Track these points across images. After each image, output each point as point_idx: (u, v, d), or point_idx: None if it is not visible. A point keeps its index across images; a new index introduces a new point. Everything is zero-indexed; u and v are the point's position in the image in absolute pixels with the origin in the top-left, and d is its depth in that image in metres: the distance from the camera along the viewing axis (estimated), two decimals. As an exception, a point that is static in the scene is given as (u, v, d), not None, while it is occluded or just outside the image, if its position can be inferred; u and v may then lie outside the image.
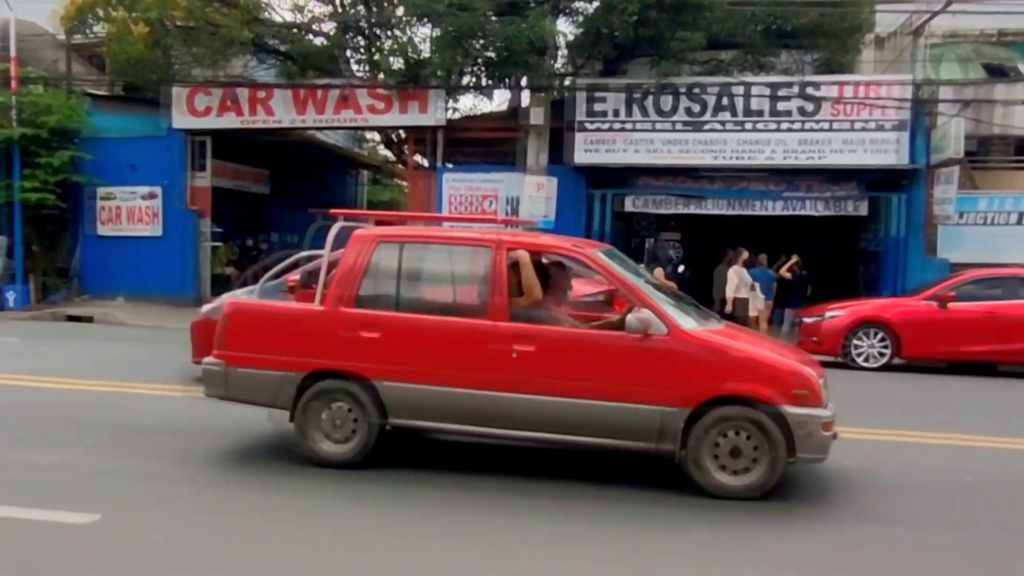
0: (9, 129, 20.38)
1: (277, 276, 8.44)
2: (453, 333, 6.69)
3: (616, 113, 18.35)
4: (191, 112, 20.84)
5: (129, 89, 22.91)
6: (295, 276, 10.69)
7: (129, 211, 21.77)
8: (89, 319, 18.70)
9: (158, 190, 21.45)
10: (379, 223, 7.88)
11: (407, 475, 6.73)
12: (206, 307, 11.45)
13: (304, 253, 8.84)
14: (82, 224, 22.07)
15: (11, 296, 20.29)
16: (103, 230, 21.90)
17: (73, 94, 22.08)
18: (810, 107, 17.53)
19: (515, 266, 6.77)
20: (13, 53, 20.67)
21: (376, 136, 27.42)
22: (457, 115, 21.28)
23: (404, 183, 30.97)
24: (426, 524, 5.69)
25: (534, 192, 18.21)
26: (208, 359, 7.07)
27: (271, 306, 7.40)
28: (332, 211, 7.45)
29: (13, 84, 20.76)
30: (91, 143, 21.58)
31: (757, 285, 16.29)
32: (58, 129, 20.88)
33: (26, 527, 5.29)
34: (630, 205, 19.18)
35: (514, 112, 19.90)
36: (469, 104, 23.07)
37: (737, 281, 16.05)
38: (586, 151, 18.53)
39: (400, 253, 6.97)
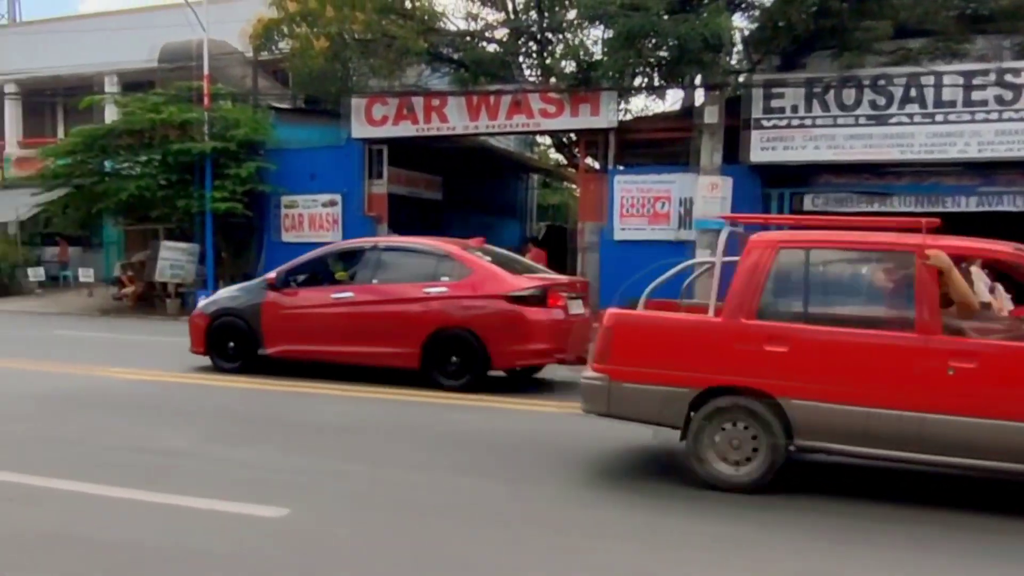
0: (202, 143, 21.53)
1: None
2: (874, 348, 6.11)
3: (795, 109, 17.68)
4: (369, 122, 21.47)
5: (310, 102, 23.84)
6: (272, 274, 11.71)
7: (311, 218, 22.62)
8: (274, 322, 19.42)
9: (338, 198, 22.20)
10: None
11: (804, 501, 6.18)
12: (202, 302, 12.47)
13: (695, 260, 8.52)
14: (267, 231, 23.07)
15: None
16: (286, 237, 22.80)
17: (259, 108, 23.19)
18: (1009, 95, 16.34)
19: (939, 272, 6.11)
20: (206, 71, 21.87)
21: (547, 139, 27.51)
22: (629, 116, 21.04)
23: (574, 186, 30.96)
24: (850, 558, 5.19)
25: (708, 192, 17.77)
26: (589, 373, 6.71)
27: (660, 317, 6.90)
28: (724, 215, 7.21)
29: (205, 101, 21.95)
30: (275, 154, 22.57)
31: (998, 286, 15.18)
32: (245, 142, 21.95)
33: (219, 518, 5.46)
34: (809, 204, 18.42)
35: (687, 111, 19.51)
36: (641, 105, 22.78)
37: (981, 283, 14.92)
38: (763, 149, 17.94)
39: (806, 260, 6.46)
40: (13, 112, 31.60)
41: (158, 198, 21.89)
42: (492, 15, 20.94)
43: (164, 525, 5.34)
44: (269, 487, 6.17)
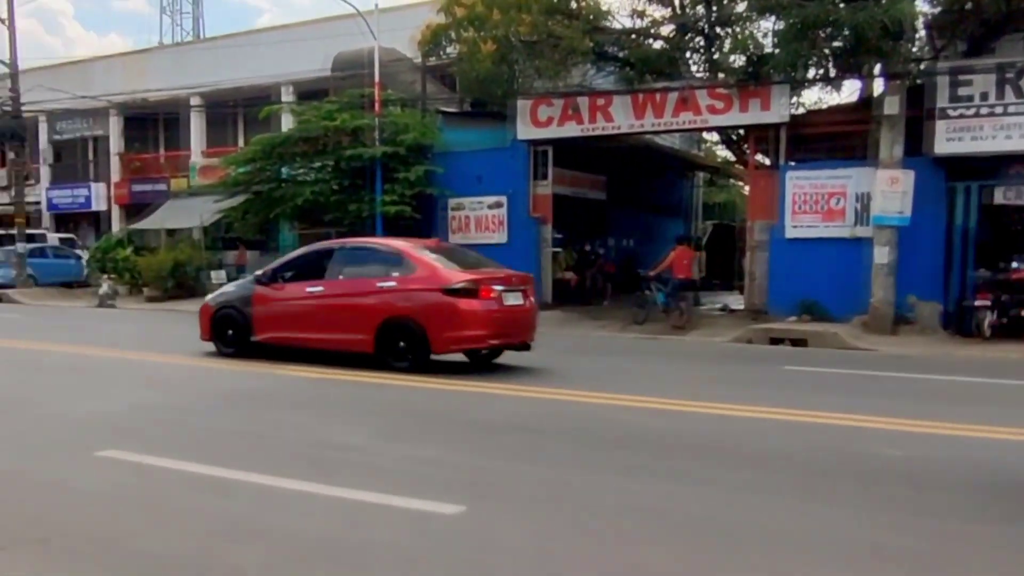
0: (372, 148, 22.14)
1: None
2: None
3: (984, 96, 16.60)
4: (534, 123, 21.57)
5: (476, 105, 24.15)
6: (260, 271, 13.35)
7: (477, 220, 22.91)
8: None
9: (503, 199, 22.41)
10: None
11: None
12: (209, 296, 14.07)
13: None
14: (435, 233, 23.42)
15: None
16: (453, 238, 23.06)
17: (427, 113, 23.67)
18: None
19: None
20: (377, 78, 22.49)
21: (714, 136, 26.98)
22: (801, 110, 20.33)
23: (741, 183, 30.22)
24: None
25: (887, 187, 16.95)
26: None
27: None
28: None
29: (376, 107, 22.57)
30: (442, 157, 22.99)
31: None
32: (414, 146, 22.44)
33: (397, 513, 5.48)
34: (1000, 197, 17.31)
35: (865, 103, 18.68)
36: (814, 97, 22.01)
37: None
38: (948, 140, 16.94)
39: None
40: (198, 123, 33.48)
41: (331, 202, 22.64)
42: (658, 11, 20.67)
43: (344, 518, 5.42)
44: (445, 484, 6.18)
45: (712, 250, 29.12)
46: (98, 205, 36.54)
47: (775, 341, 16.52)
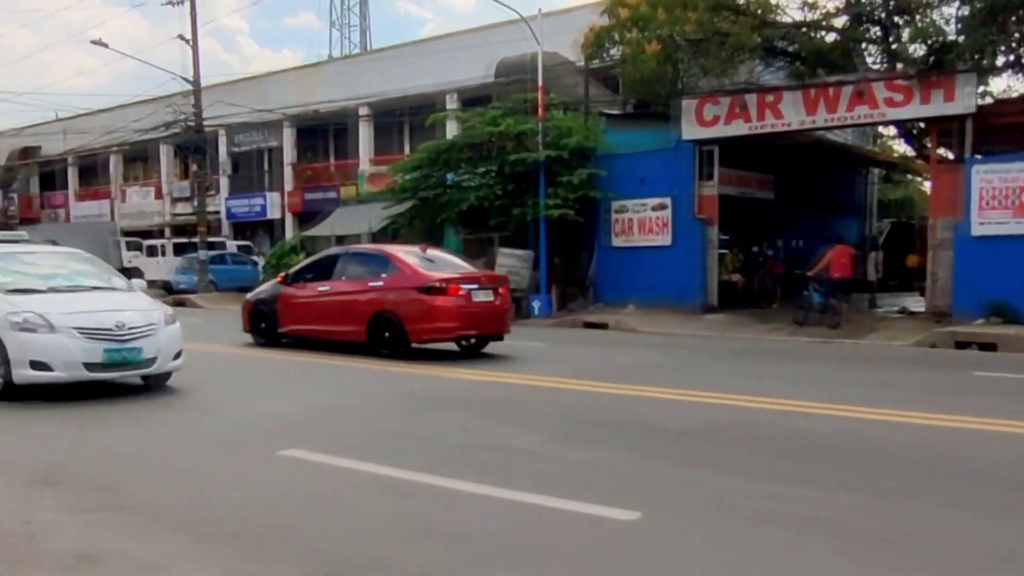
0: (536, 152, 22.16)
1: None
2: None
3: None
4: (699, 122, 21.11)
5: (639, 106, 23.85)
6: (283, 274, 15.62)
7: (640, 222, 22.60)
8: (603, 326, 19.62)
9: (667, 201, 22.01)
10: None
11: None
12: (250, 295, 16.24)
13: None
14: (597, 236, 23.33)
15: (536, 305, 21.95)
16: (616, 241, 22.96)
17: (589, 115, 23.54)
18: None
19: None
20: (540, 83, 22.52)
21: (890, 130, 25.73)
22: (988, 100, 19.11)
23: (920, 179, 28.77)
24: None
25: (1088, 180, 15.76)
26: None
27: None
28: None
29: (540, 111, 22.59)
30: (605, 159, 22.78)
31: None
32: (577, 149, 22.31)
33: (574, 518, 5.42)
34: None
35: (1061, 90, 17.43)
36: (1003, 86, 20.75)
37: None
38: None
39: None
40: (366, 132, 34.55)
41: (495, 207, 22.77)
42: (831, 2, 19.90)
43: (521, 521, 5.39)
44: (619, 489, 6.07)
45: (890, 249, 27.83)
46: (273, 213, 38.20)
47: (961, 345, 15.57)
